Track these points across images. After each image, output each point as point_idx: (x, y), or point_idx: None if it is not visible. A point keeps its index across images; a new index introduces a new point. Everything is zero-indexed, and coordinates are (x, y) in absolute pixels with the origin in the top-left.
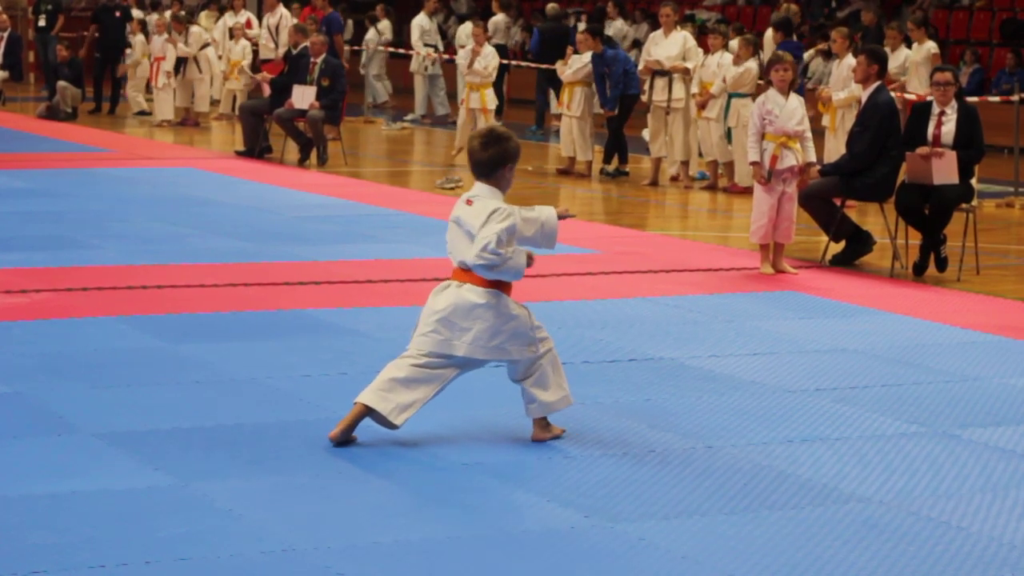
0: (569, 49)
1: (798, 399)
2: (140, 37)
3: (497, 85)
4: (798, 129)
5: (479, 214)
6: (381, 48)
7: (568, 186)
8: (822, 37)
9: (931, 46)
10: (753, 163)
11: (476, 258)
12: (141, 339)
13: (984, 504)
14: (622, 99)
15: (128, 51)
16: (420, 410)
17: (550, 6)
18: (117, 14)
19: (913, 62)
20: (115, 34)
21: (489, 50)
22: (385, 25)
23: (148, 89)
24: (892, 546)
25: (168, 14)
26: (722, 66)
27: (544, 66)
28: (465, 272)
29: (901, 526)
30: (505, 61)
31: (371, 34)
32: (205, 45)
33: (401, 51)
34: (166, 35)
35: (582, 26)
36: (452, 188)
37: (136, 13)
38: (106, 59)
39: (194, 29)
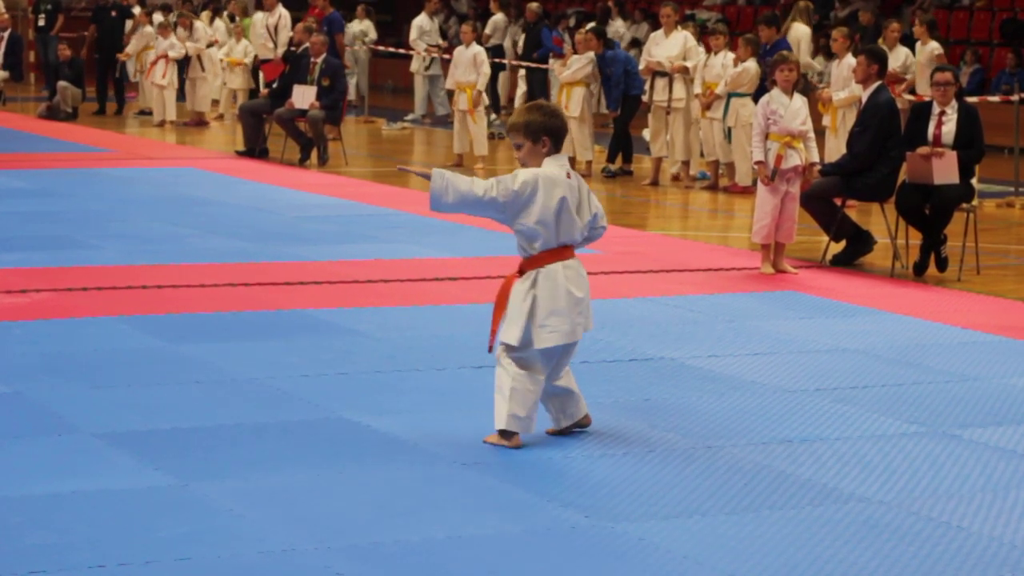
0: (568, 49)
1: (798, 399)
2: (149, 28)
3: (492, 86)
4: (802, 129)
5: None
6: (360, 47)
7: None
8: (823, 36)
9: (934, 46)
10: (758, 163)
11: None
12: (141, 339)
13: (984, 504)
14: (625, 99)
15: (132, 44)
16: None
17: (533, 5)
18: (114, 13)
19: (918, 63)
20: (113, 34)
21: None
22: (367, 26)
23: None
24: (892, 546)
25: (175, 14)
26: (726, 66)
27: (531, 65)
28: None
29: (901, 526)
30: (503, 61)
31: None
32: (209, 45)
33: (401, 51)
34: (174, 34)
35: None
36: None
37: (137, 10)
38: (105, 59)
39: (198, 24)
